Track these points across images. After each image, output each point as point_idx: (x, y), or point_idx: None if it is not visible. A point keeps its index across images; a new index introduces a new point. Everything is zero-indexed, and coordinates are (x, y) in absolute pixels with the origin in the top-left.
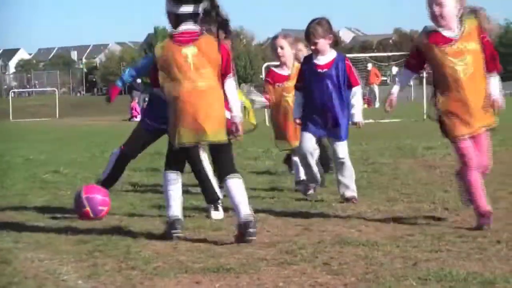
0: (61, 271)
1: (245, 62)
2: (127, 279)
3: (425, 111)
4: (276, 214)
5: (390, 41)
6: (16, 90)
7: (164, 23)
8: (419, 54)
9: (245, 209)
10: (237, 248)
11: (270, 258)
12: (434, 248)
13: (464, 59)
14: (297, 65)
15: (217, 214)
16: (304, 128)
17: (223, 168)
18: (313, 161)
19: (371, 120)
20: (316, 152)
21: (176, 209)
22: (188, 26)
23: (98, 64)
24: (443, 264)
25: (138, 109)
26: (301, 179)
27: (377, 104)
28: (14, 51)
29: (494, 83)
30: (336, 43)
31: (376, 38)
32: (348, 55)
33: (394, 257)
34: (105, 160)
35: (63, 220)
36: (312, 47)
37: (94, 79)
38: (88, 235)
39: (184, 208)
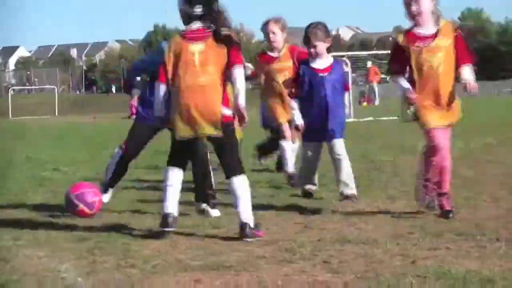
0: (61, 268)
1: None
2: (127, 277)
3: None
4: (275, 212)
5: (390, 38)
6: (15, 87)
7: (163, 21)
8: (400, 56)
9: (244, 213)
10: (236, 246)
11: (269, 256)
12: (433, 246)
13: (439, 55)
14: (288, 46)
15: (215, 212)
16: (308, 140)
17: (228, 168)
18: (315, 168)
19: (370, 118)
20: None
21: (170, 205)
22: (197, 25)
23: (97, 62)
24: (442, 262)
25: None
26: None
27: (376, 102)
28: (13, 49)
29: (468, 71)
30: (330, 48)
31: (375, 35)
32: (348, 53)
33: (393, 255)
34: (104, 158)
35: (63, 218)
36: (312, 50)
37: (93, 77)
38: (88, 233)
39: (184, 206)
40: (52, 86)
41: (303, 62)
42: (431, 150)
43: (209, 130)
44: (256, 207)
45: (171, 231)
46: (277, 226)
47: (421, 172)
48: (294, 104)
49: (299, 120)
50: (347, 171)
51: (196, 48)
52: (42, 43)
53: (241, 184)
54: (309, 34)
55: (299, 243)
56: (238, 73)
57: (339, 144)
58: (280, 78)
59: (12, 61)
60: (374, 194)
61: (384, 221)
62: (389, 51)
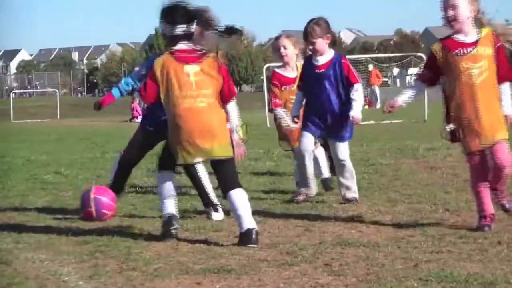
0: (62, 271)
1: (246, 63)
2: (128, 280)
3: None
4: (276, 215)
5: (391, 42)
6: (17, 91)
7: None
8: (435, 65)
9: (247, 222)
10: (237, 249)
11: (271, 259)
12: (435, 249)
13: (479, 64)
14: (300, 65)
15: (218, 215)
16: (304, 127)
17: (226, 182)
18: (309, 161)
19: (372, 121)
20: (320, 153)
21: (170, 206)
22: (185, 45)
23: (99, 65)
24: (444, 265)
25: (139, 110)
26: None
27: (378, 105)
28: (15, 52)
29: (507, 94)
30: (334, 43)
31: (377, 39)
32: (349, 56)
33: (395, 258)
34: (106, 161)
35: (64, 221)
36: (310, 47)
37: (95, 80)
38: (89, 236)
39: (185, 209)
40: (54, 89)
41: (307, 58)
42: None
43: (220, 153)
44: (256, 211)
45: (177, 230)
46: (278, 229)
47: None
48: (297, 95)
49: (295, 112)
50: (349, 174)
51: (190, 69)
52: (43, 46)
53: (240, 197)
54: (308, 30)
55: (300, 246)
56: (234, 106)
57: (343, 148)
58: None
59: (13, 65)
60: (375, 197)
61: (385, 224)
62: (390, 55)
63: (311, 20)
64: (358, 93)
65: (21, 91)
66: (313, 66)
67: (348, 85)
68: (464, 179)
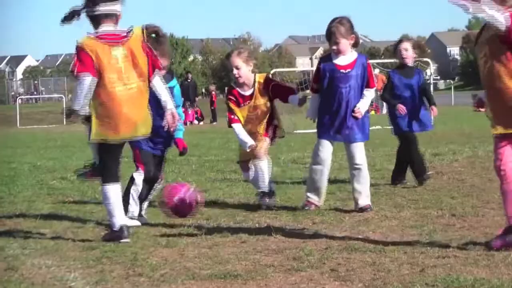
0: (69, 277)
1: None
2: (134, 285)
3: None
4: (283, 221)
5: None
6: (23, 96)
7: (169, 30)
8: None
9: (122, 218)
10: (244, 254)
11: (277, 265)
12: (441, 254)
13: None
14: (260, 76)
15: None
16: (321, 135)
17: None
18: (326, 174)
19: (378, 127)
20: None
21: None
22: (109, 28)
23: None
24: (450, 270)
25: None
26: (261, 190)
27: (384, 111)
28: (21, 58)
29: None
30: (356, 44)
31: (383, 44)
32: None
33: (401, 263)
34: None
35: (71, 227)
36: (334, 47)
37: None
38: (96, 242)
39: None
40: (60, 95)
41: (324, 58)
42: None
43: (141, 132)
44: (263, 216)
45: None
46: (285, 234)
47: None
48: (314, 98)
49: (313, 115)
50: (364, 181)
51: (118, 53)
52: (49, 52)
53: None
54: (332, 29)
55: (306, 252)
56: (158, 80)
57: (359, 150)
58: (255, 115)
59: (19, 70)
60: (382, 202)
61: (391, 229)
62: (396, 60)
63: (334, 19)
64: (370, 93)
65: (28, 96)
66: (335, 66)
67: (366, 87)
68: (470, 184)
